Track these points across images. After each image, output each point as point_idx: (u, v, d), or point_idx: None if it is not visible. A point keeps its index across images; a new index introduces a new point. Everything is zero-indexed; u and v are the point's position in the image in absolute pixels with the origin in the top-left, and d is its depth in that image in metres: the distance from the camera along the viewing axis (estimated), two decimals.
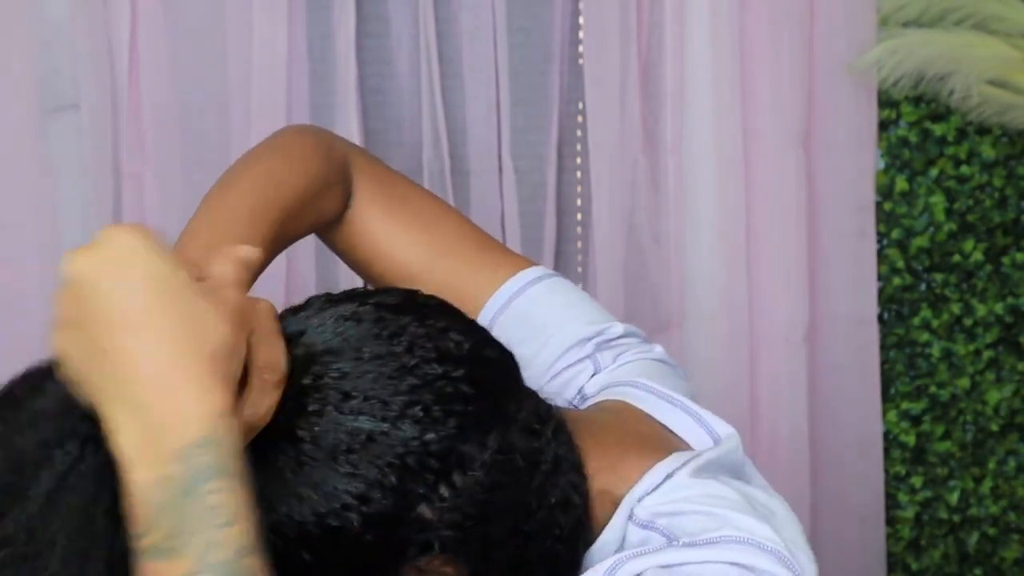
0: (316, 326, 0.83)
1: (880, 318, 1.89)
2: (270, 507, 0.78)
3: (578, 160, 1.83)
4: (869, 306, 1.86)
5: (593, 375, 1.01)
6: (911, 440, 1.92)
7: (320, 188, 1.02)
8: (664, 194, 1.77)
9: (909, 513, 1.93)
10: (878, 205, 1.87)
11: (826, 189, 1.83)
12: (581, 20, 1.78)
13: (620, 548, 0.87)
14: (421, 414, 0.80)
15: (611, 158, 1.76)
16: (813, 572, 0.84)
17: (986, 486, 1.94)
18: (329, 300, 0.85)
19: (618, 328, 1.04)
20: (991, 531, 1.95)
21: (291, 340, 0.81)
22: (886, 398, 1.90)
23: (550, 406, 0.89)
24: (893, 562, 1.93)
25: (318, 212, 1.02)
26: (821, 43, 1.79)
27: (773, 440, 1.81)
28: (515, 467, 0.83)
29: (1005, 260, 1.91)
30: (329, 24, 1.72)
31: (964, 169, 1.88)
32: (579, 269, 1.84)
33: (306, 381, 0.80)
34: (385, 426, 0.79)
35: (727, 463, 0.92)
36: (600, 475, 0.88)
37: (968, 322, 1.91)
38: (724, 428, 0.94)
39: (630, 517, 0.87)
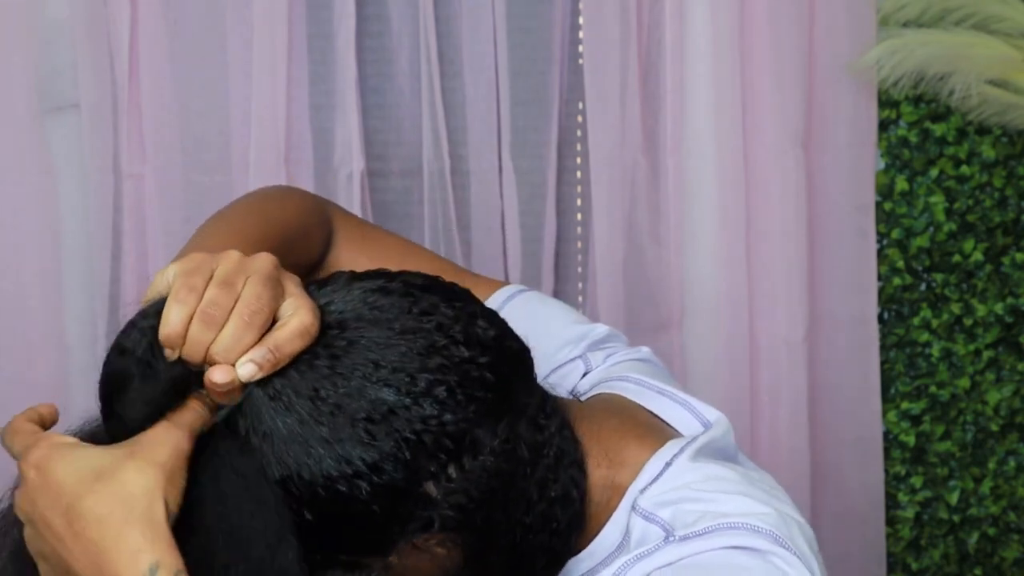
0: (345, 297, 0.84)
1: (880, 318, 1.89)
2: (281, 460, 0.80)
3: (578, 160, 1.83)
4: (869, 306, 1.86)
5: (585, 374, 1.04)
6: (911, 440, 1.92)
7: (305, 228, 1.06)
8: (664, 194, 1.77)
9: (909, 513, 1.93)
10: (878, 205, 1.87)
11: (826, 189, 1.83)
12: (581, 20, 1.78)
13: (624, 539, 0.89)
14: (444, 395, 0.81)
15: (611, 158, 1.76)
16: (807, 547, 0.86)
17: (986, 486, 1.94)
18: (355, 276, 0.87)
19: (602, 329, 1.07)
20: (991, 531, 1.95)
21: (322, 310, 0.83)
22: (886, 398, 1.90)
23: (556, 400, 0.91)
24: (893, 562, 1.94)
25: (304, 250, 1.05)
26: (821, 43, 1.79)
27: (773, 440, 1.81)
28: (520, 457, 0.85)
29: (1005, 260, 1.91)
30: (329, 24, 1.72)
31: (964, 169, 1.88)
32: (579, 269, 1.84)
33: (339, 343, 0.81)
34: (408, 401, 0.81)
35: (720, 447, 0.94)
36: (600, 466, 0.90)
37: (968, 322, 1.91)
38: (713, 413, 0.97)
39: (633, 508, 0.89)
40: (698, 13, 1.73)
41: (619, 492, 0.90)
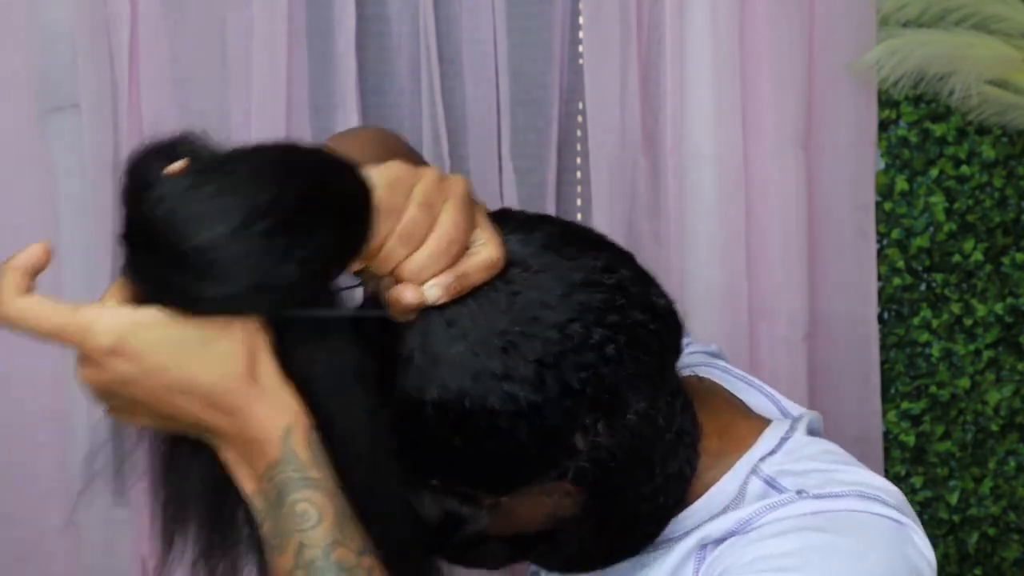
0: (526, 238, 0.85)
1: (880, 318, 1.89)
2: (444, 384, 0.81)
3: (578, 160, 1.83)
4: (869, 306, 1.86)
5: None
6: (911, 440, 1.92)
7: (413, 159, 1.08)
8: (664, 194, 1.77)
9: None
10: (878, 205, 1.87)
11: (826, 189, 1.82)
12: (581, 20, 1.78)
13: (738, 498, 0.91)
14: (613, 352, 0.83)
15: (611, 158, 1.75)
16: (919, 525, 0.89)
17: (986, 486, 1.94)
18: (532, 218, 0.89)
19: None
20: (991, 531, 1.95)
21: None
22: (886, 398, 1.90)
23: (680, 379, 0.93)
24: None
25: None
26: (821, 43, 1.79)
27: None
28: (657, 426, 0.87)
29: (1005, 260, 1.91)
30: (329, 24, 1.72)
31: (964, 169, 1.88)
32: None
33: (519, 281, 0.83)
34: (581, 350, 0.82)
35: (817, 429, 0.98)
36: (712, 442, 0.93)
37: (968, 322, 1.91)
38: (796, 409, 1.00)
39: (753, 472, 0.91)
40: (698, 13, 1.73)
41: (728, 463, 0.92)
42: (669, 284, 1.76)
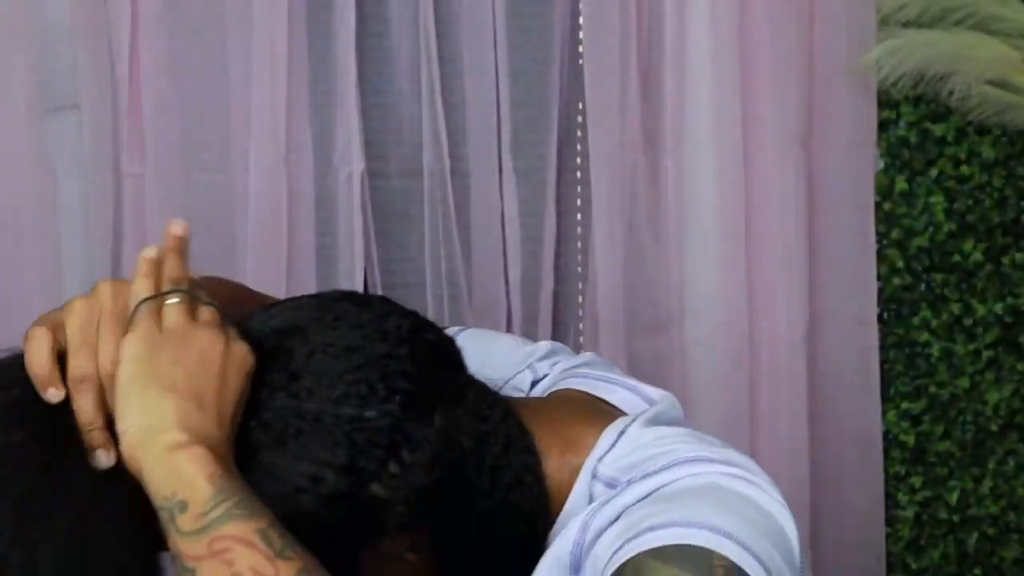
0: (261, 318, 0.87)
1: (880, 318, 1.89)
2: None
3: (578, 160, 1.83)
4: (869, 306, 1.86)
5: (534, 383, 1.05)
6: (911, 440, 1.92)
7: None
8: (664, 194, 1.77)
9: (909, 513, 1.93)
10: (878, 205, 1.87)
11: (826, 189, 1.83)
12: (581, 20, 1.78)
13: (588, 504, 0.90)
14: (366, 391, 0.82)
15: (611, 158, 1.75)
16: (765, 477, 0.87)
17: (986, 486, 1.94)
18: (276, 302, 0.90)
19: (545, 345, 1.10)
20: (991, 531, 1.95)
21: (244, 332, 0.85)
22: (886, 398, 1.90)
23: (497, 393, 0.92)
24: (893, 562, 1.94)
25: None
26: (821, 43, 1.79)
27: (773, 440, 1.81)
28: (462, 447, 0.85)
29: (1005, 260, 1.91)
30: (329, 24, 1.72)
31: (964, 169, 1.88)
32: (579, 269, 1.84)
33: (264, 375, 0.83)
34: (330, 407, 0.81)
35: (669, 419, 0.96)
36: (554, 449, 0.91)
37: (968, 322, 1.91)
38: (657, 392, 0.99)
39: (594, 476, 0.90)
40: (698, 13, 1.73)
41: (576, 469, 0.91)
42: (669, 284, 1.79)
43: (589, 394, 1.00)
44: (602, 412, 0.97)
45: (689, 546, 0.78)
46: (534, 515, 0.90)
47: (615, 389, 1.00)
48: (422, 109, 1.74)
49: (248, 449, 0.81)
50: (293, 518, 0.79)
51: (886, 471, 1.91)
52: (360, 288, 1.75)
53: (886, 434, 1.91)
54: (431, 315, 1.77)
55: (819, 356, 1.85)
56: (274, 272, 1.70)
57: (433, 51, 1.72)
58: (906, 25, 1.77)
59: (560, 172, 1.81)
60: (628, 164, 1.77)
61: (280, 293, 1.66)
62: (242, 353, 0.82)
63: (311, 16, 1.72)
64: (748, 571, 0.78)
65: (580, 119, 1.81)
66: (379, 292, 1.78)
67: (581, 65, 1.78)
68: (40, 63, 1.67)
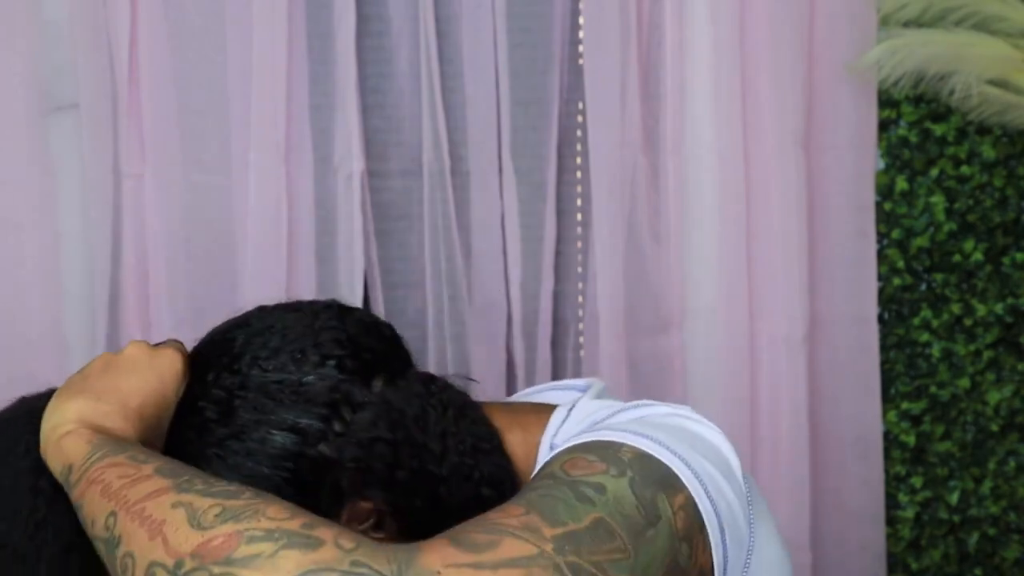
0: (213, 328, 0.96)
1: (880, 318, 1.89)
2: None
3: (578, 160, 1.83)
4: (869, 306, 1.86)
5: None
6: (911, 440, 1.92)
7: None
8: (664, 194, 1.77)
9: (909, 513, 1.93)
10: (878, 205, 1.87)
11: (826, 189, 1.82)
12: (581, 20, 1.78)
13: None
14: (301, 358, 0.90)
15: (611, 158, 1.75)
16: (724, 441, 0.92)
17: (986, 486, 1.94)
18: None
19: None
20: (991, 531, 1.95)
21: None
22: (886, 398, 1.90)
23: (447, 380, 0.98)
24: (893, 562, 1.93)
25: None
26: (821, 43, 1.79)
27: (773, 440, 1.81)
28: (404, 412, 0.90)
29: (1005, 260, 1.91)
30: (329, 24, 1.72)
31: (964, 169, 1.88)
32: (579, 269, 1.84)
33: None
34: (272, 375, 0.89)
35: (610, 398, 1.03)
36: (514, 428, 0.98)
37: (968, 322, 1.91)
38: (585, 380, 1.07)
39: (551, 449, 0.95)
40: (698, 13, 1.73)
41: (535, 446, 0.98)
42: (669, 284, 1.79)
43: (530, 402, 1.07)
44: (548, 405, 1.03)
45: (601, 440, 0.85)
46: (499, 480, 0.94)
47: (552, 393, 1.07)
48: (422, 109, 1.74)
49: (203, 428, 0.88)
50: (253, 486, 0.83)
51: (886, 471, 1.91)
52: (360, 288, 1.76)
53: (886, 434, 1.91)
54: (431, 315, 1.77)
55: (819, 356, 1.85)
56: (274, 272, 1.70)
57: (433, 51, 1.72)
58: (907, 25, 1.77)
59: (560, 172, 1.81)
60: (628, 164, 1.77)
61: (280, 293, 1.66)
62: (168, 354, 0.91)
63: (311, 16, 1.72)
64: (659, 458, 0.83)
65: (580, 119, 1.81)
66: (379, 292, 1.78)
67: (581, 65, 1.78)
68: (39, 63, 1.67)
